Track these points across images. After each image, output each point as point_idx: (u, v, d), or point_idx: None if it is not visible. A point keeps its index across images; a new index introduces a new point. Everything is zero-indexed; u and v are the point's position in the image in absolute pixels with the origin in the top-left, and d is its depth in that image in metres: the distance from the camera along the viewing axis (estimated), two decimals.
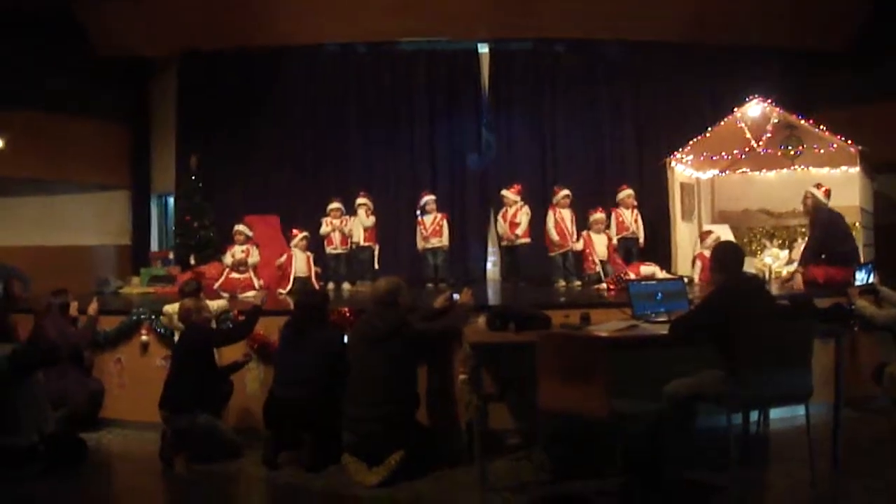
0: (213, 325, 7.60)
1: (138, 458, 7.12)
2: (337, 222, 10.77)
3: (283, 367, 6.80)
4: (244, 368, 7.41)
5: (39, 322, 7.67)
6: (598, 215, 10.63)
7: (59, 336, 7.55)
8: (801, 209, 10.07)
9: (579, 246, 10.64)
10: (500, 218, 11.12)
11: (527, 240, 10.87)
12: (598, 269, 10.30)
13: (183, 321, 7.15)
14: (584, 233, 10.64)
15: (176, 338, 7.69)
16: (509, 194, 10.96)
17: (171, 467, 6.60)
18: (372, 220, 11.10)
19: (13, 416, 6.34)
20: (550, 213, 10.86)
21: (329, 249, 10.83)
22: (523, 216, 10.83)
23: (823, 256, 8.88)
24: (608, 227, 10.75)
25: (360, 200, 11.10)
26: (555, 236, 10.72)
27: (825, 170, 10.87)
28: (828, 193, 9.26)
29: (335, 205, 10.91)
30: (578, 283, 10.48)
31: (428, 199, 11.23)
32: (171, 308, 7.73)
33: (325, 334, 6.81)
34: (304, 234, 10.45)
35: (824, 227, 9.00)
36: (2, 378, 6.27)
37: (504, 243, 11.27)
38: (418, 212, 11.27)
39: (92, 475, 6.69)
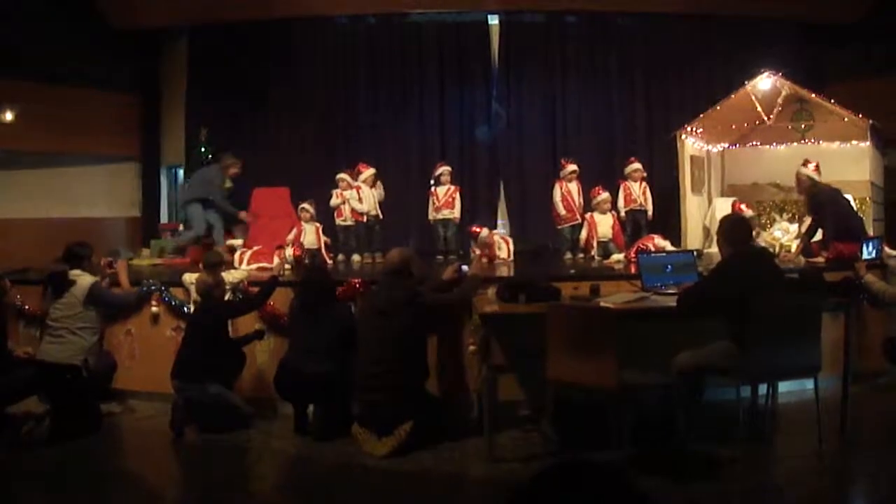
0: (228, 296, 7.62)
1: (148, 428, 7.16)
2: (347, 194, 10.72)
3: (296, 341, 6.87)
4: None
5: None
6: (604, 195, 10.47)
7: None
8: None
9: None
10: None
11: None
12: (596, 251, 10.25)
13: (200, 295, 7.19)
14: (588, 215, 10.52)
15: (186, 308, 7.76)
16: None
17: (181, 437, 6.66)
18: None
19: (68, 335, 6.87)
20: (557, 186, 10.76)
21: (339, 221, 10.75)
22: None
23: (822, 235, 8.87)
24: (615, 203, 10.69)
25: (370, 172, 10.92)
26: (562, 210, 10.65)
27: (836, 144, 10.83)
28: (818, 169, 9.22)
29: (343, 176, 10.88)
30: (582, 255, 10.48)
31: (443, 169, 11.04)
32: (190, 277, 7.77)
33: (334, 310, 6.91)
34: (305, 205, 10.35)
35: (827, 206, 8.94)
36: (73, 298, 6.88)
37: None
38: (432, 182, 11.14)
39: (102, 445, 6.75)
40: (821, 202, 8.98)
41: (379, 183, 10.97)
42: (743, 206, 10.09)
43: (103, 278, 7.59)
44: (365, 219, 10.73)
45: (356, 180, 10.77)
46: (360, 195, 10.68)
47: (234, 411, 6.86)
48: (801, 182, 9.25)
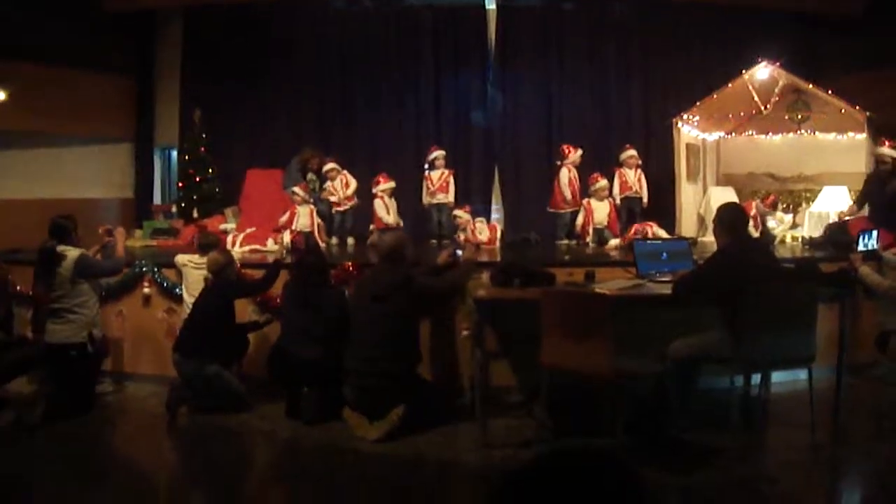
0: None
1: (140, 409, 7.18)
2: (337, 183, 10.65)
3: (290, 325, 6.86)
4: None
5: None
6: (602, 182, 10.40)
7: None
8: (807, 174, 10.15)
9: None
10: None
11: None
12: (591, 238, 10.20)
13: (213, 273, 7.18)
14: (585, 201, 10.44)
15: (178, 290, 7.75)
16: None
17: (174, 418, 6.67)
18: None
19: (68, 314, 6.88)
20: (565, 170, 10.70)
21: (334, 209, 10.70)
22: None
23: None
24: (611, 190, 10.63)
25: (390, 184, 10.68)
26: (568, 195, 10.60)
27: (832, 135, 10.82)
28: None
29: (334, 165, 10.83)
30: (575, 242, 10.45)
31: (437, 153, 11.01)
32: (182, 259, 7.77)
33: (327, 294, 6.89)
34: (296, 189, 10.30)
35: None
36: (62, 276, 6.89)
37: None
38: (426, 166, 11.12)
39: (91, 427, 6.73)
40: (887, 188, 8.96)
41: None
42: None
43: (102, 246, 7.62)
44: (396, 225, 10.46)
45: (375, 188, 10.61)
46: (385, 204, 10.55)
47: (229, 393, 6.85)
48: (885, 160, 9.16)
